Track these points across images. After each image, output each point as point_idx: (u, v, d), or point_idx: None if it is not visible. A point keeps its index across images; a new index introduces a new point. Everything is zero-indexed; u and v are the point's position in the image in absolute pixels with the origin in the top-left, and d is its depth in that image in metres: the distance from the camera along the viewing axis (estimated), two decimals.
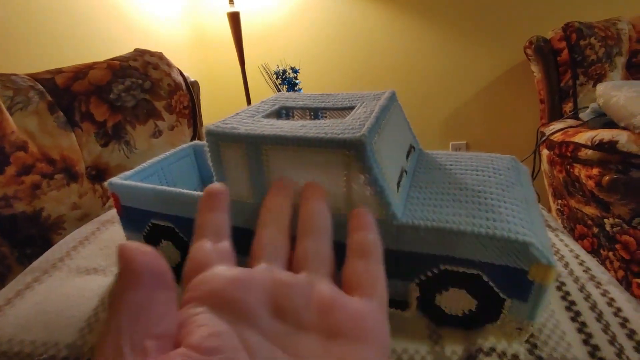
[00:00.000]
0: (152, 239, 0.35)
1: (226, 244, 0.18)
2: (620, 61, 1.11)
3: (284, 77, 1.25)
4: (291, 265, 0.18)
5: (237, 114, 0.31)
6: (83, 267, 0.37)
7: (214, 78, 1.50)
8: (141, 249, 0.14)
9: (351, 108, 0.32)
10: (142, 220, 0.35)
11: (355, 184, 0.25)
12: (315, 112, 0.34)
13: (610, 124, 0.87)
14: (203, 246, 0.18)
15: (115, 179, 0.35)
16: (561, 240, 0.38)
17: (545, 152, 1.01)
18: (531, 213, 0.26)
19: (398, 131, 0.31)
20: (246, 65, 1.24)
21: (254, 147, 0.26)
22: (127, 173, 0.37)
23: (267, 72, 1.30)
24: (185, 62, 1.35)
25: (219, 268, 0.16)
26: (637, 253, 0.79)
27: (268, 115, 0.32)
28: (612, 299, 0.30)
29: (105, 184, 0.35)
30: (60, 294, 0.34)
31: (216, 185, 0.21)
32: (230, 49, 1.24)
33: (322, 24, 1.38)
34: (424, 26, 1.33)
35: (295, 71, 1.26)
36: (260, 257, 0.18)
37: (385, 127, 0.28)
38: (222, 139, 0.27)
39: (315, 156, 0.25)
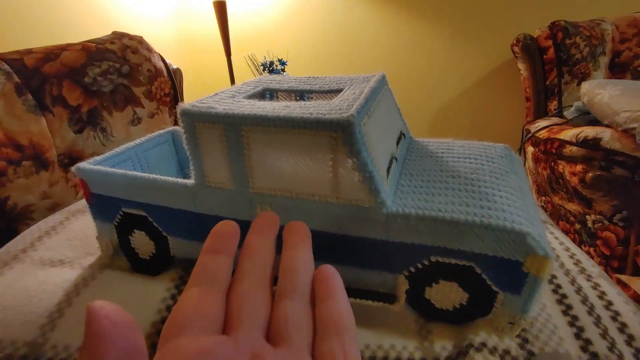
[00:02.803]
0: (123, 228, 0.33)
1: (218, 299, 0.16)
2: (604, 61, 1.12)
3: (271, 68, 1.22)
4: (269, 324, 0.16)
5: (217, 94, 0.29)
6: (47, 259, 0.35)
7: (199, 68, 1.45)
8: (116, 319, 0.12)
9: (339, 91, 0.30)
10: (113, 209, 0.33)
11: (342, 169, 0.23)
12: (301, 95, 0.32)
13: (594, 122, 0.88)
14: (190, 299, 0.15)
15: (83, 164, 0.33)
16: (551, 232, 0.37)
17: (530, 149, 1.02)
18: (526, 202, 0.25)
19: (388, 116, 0.30)
20: (232, 56, 1.20)
21: (233, 128, 0.24)
22: (98, 158, 0.34)
23: (253, 63, 1.26)
24: (170, 50, 1.30)
25: (188, 339, 0.14)
26: (617, 249, 0.80)
27: (250, 97, 0.30)
28: (602, 292, 0.29)
29: (73, 169, 0.32)
30: (20, 287, 0.31)
31: (229, 225, 0.18)
32: (216, 39, 1.20)
33: (311, 17, 1.36)
34: (413, 23, 1.33)
35: (282, 63, 1.23)
36: (237, 321, 0.15)
37: (375, 110, 0.26)
38: (198, 119, 0.25)
39: (299, 138, 0.23)
